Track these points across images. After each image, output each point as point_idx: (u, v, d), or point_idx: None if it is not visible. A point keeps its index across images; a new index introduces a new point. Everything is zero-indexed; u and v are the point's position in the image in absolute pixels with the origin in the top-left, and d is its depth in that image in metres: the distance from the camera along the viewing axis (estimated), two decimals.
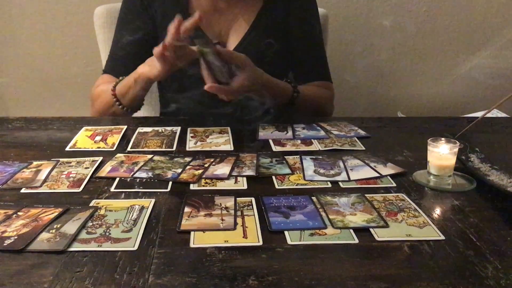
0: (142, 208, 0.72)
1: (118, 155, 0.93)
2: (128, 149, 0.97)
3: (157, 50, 0.98)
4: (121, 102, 1.17)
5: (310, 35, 1.32)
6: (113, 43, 1.29)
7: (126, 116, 1.21)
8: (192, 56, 0.99)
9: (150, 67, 1.07)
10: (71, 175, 0.83)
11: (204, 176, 0.84)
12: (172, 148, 0.98)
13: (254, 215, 0.70)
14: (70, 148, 0.98)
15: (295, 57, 1.31)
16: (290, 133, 1.08)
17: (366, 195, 0.77)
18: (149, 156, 0.92)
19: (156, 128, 1.09)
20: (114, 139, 1.02)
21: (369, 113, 2.02)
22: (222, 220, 0.69)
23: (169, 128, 1.09)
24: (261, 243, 0.63)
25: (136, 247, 0.62)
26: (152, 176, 0.83)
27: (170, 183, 0.81)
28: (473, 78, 2.02)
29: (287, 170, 0.87)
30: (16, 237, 0.63)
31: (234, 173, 0.85)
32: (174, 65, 1.02)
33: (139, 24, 1.25)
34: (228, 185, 0.81)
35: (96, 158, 0.91)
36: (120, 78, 1.17)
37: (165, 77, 1.08)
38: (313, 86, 1.29)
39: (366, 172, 0.86)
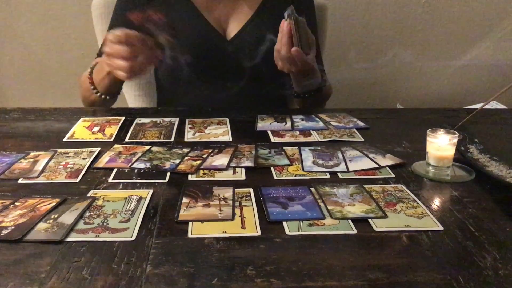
0: (140, 199, 0.71)
1: (116, 145, 0.93)
2: (126, 140, 0.97)
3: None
4: (97, 88, 1.14)
5: (311, 28, 1.32)
6: (109, 27, 1.28)
7: (103, 105, 1.19)
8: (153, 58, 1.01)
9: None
10: (68, 166, 0.83)
11: (202, 166, 0.83)
12: (170, 139, 0.98)
13: (252, 205, 0.70)
14: (67, 138, 0.97)
15: None
16: (289, 124, 1.07)
17: (364, 186, 0.77)
18: (147, 147, 0.92)
19: (154, 119, 1.08)
20: (112, 130, 1.01)
21: (368, 104, 2.02)
22: (220, 210, 0.68)
23: (167, 119, 1.09)
24: (259, 233, 0.63)
25: (134, 237, 0.61)
26: (150, 166, 0.83)
27: (168, 173, 0.81)
28: (472, 69, 2.02)
29: (286, 161, 0.87)
30: (13, 227, 0.62)
31: (233, 164, 0.84)
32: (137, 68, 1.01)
33: (137, 8, 1.24)
34: (227, 176, 0.81)
35: (94, 149, 0.90)
36: (95, 63, 1.15)
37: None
38: None
39: (365, 163, 0.86)
